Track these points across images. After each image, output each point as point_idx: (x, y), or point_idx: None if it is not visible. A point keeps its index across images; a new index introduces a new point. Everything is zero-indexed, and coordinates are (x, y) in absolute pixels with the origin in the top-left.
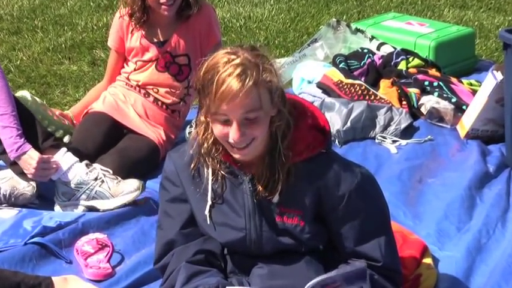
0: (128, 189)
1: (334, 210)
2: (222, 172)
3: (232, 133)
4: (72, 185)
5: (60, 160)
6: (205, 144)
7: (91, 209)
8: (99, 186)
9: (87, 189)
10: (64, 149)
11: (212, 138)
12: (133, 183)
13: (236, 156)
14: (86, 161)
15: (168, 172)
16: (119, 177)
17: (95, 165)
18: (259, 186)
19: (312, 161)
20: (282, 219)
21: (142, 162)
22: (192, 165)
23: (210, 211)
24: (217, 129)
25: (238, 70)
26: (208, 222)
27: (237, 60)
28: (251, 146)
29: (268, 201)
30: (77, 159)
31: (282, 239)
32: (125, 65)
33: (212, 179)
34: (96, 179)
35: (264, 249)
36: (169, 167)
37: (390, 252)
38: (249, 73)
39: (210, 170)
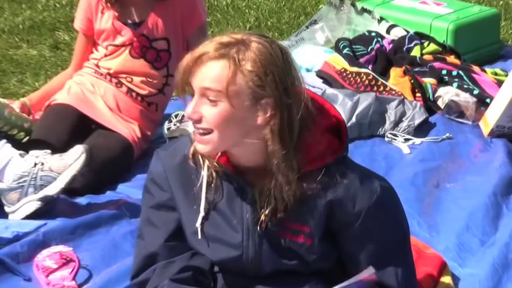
0: (71, 159)
1: (348, 228)
2: (218, 178)
3: (187, 107)
4: (14, 184)
5: None
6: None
7: (46, 200)
8: (42, 170)
9: (31, 181)
10: (3, 141)
11: None
12: (76, 150)
13: (196, 146)
14: (19, 151)
15: (154, 173)
16: (60, 153)
17: (31, 152)
18: (262, 198)
19: (325, 171)
20: (286, 237)
21: (113, 162)
22: (186, 166)
23: (202, 224)
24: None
25: (224, 39)
26: (199, 237)
27: (234, 35)
28: (209, 138)
29: (271, 215)
30: (16, 152)
31: (285, 259)
32: (93, 50)
33: (206, 186)
34: (35, 164)
35: (263, 269)
36: (157, 168)
37: (407, 279)
38: (235, 48)
39: (204, 174)
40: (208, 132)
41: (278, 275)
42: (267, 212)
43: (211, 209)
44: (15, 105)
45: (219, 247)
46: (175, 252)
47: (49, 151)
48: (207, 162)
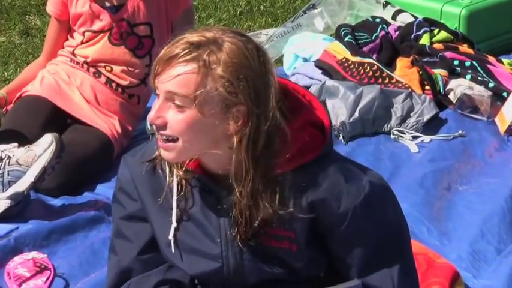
0: (40, 149)
1: (334, 231)
2: (188, 184)
3: (152, 109)
4: None
5: None
6: None
7: (16, 198)
8: (8, 165)
9: None
10: None
11: None
12: (44, 139)
13: (161, 152)
14: None
15: (122, 182)
16: (27, 144)
17: None
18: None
19: (306, 169)
20: (268, 244)
21: (91, 161)
22: (155, 173)
23: (175, 235)
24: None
25: (194, 38)
26: (173, 250)
27: (206, 33)
28: (174, 145)
29: (247, 223)
30: None
31: (270, 267)
32: (69, 36)
33: (178, 193)
34: (1, 159)
35: (247, 280)
36: (125, 175)
37: (406, 282)
38: (205, 49)
39: (174, 181)
40: (173, 139)
41: (264, 285)
42: (241, 228)
43: (185, 218)
44: None
45: (197, 259)
46: (151, 266)
47: (16, 144)
48: (175, 168)
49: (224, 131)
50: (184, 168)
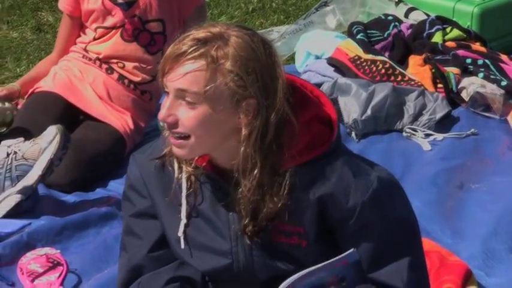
0: (45, 142)
1: (343, 226)
2: (197, 180)
3: (162, 107)
4: None
5: None
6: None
7: (25, 192)
8: (15, 160)
9: (6, 173)
10: None
11: None
12: (49, 132)
13: (173, 149)
14: None
15: (132, 179)
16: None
17: (2, 142)
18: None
19: (314, 164)
20: (277, 239)
21: (103, 157)
22: (165, 170)
23: (184, 232)
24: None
25: (201, 34)
26: (182, 246)
27: (212, 29)
28: (186, 142)
29: (256, 219)
30: None
31: (279, 263)
32: (81, 33)
33: (187, 190)
34: (8, 154)
35: (258, 277)
36: (134, 173)
37: (416, 279)
38: (212, 45)
39: (183, 177)
40: (184, 136)
41: (274, 281)
42: (249, 217)
43: (194, 214)
44: (4, 91)
45: (207, 256)
46: (162, 263)
47: (22, 139)
48: (184, 164)
49: (234, 125)
50: (193, 165)
